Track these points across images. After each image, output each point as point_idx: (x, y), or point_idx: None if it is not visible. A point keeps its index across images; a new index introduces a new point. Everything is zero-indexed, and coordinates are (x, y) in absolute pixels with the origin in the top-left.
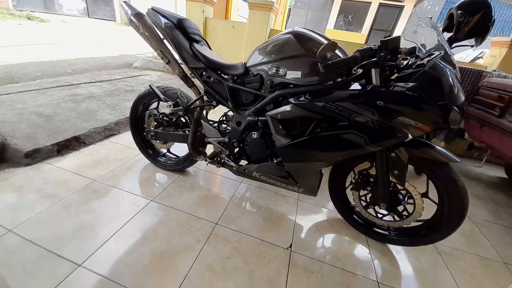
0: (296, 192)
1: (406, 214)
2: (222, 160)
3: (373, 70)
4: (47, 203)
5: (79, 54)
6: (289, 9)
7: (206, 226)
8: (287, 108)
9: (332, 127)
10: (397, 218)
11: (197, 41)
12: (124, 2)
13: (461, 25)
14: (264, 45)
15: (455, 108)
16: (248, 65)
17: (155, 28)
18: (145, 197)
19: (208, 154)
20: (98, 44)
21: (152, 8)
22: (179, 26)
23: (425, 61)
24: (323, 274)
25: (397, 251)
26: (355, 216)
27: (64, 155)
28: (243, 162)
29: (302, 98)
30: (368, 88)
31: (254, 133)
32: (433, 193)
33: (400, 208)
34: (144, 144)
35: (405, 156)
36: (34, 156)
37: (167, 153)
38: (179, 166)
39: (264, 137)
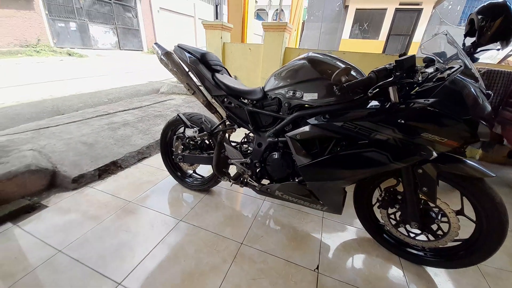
0: (320, 210)
1: (441, 233)
2: (245, 180)
3: (390, 88)
4: (91, 224)
5: (113, 84)
6: (303, 23)
7: (232, 245)
8: (306, 128)
9: (352, 145)
10: (431, 238)
11: (218, 71)
12: (155, 43)
13: (483, 29)
14: (280, 71)
15: (482, 121)
16: (266, 89)
17: (182, 64)
18: (174, 217)
19: (231, 175)
20: (129, 74)
21: (178, 46)
22: (202, 59)
23: (445, 74)
24: None
25: (435, 273)
26: (385, 235)
27: (104, 179)
28: (265, 181)
29: (320, 119)
30: (387, 106)
31: (275, 154)
32: (470, 210)
33: (434, 227)
34: (173, 166)
35: (433, 172)
36: (80, 181)
37: (193, 174)
38: (205, 186)
39: (284, 157)
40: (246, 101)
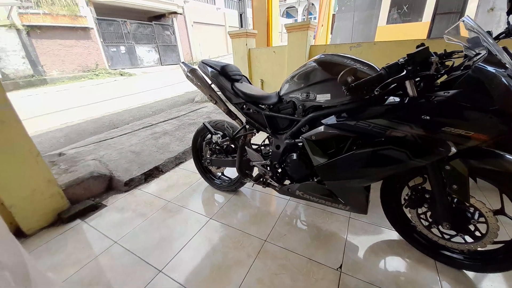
0: (344, 210)
1: (479, 235)
2: (267, 181)
3: (407, 82)
4: (139, 220)
5: (156, 98)
6: (333, 15)
7: (256, 242)
8: (320, 129)
9: (369, 144)
10: (469, 240)
11: (237, 80)
12: (182, 62)
13: None
14: (292, 75)
15: None
16: (281, 94)
17: (205, 78)
18: (206, 215)
19: (253, 176)
20: (169, 87)
21: (202, 61)
22: (222, 72)
23: (471, 62)
24: None
25: (477, 278)
26: (417, 237)
27: (149, 182)
28: (288, 182)
29: (334, 119)
30: (406, 101)
31: (293, 155)
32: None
33: (471, 227)
34: (204, 170)
35: (463, 168)
36: (130, 184)
37: (222, 176)
38: (232, 187)
39: (302, 157)
40: (263, 106)
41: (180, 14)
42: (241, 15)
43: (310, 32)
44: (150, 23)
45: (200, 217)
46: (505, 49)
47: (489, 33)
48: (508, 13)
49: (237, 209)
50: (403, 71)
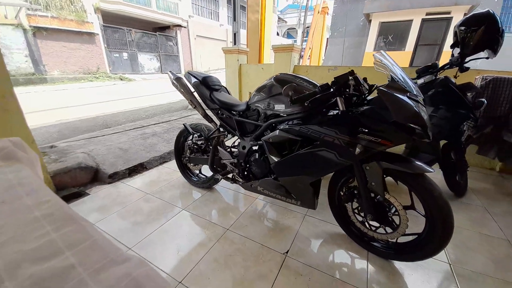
0: (295, 205)
1: (395, 226)
2: (234, 177)
3: (338, 98)
4: (118, 208)
5: (152, 103)
6: (327, 40)
7: (219, 230)
8: (276, 133)
9: (309, 146)
10: (389, 231)
11: (217, 90)
12: (169, 71)
13: (465, 40)
14: (258, 88)
15: (411, 124)
16: (249, 103)
17: (188, 85)
18: (179, 206)
19: (223, 172)
20: (165, 94)
21: (188, 72)
22: (203, 82)
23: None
24: (311, 277)
25: (401, 268)
26: (354, 230)
27: (132, 177)
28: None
29: (286, 125)
30: (337, 113)
31: (255, 154)
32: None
33: (390, 220)
34: (183, 167)
35: (377, 168)
36: (114, 177)
37: (199, 174)
38: (207, 184)
39: (262, 157)
40: (234, 112)
41: (184, 27)
42: (235, 34)
43: (294, 54)
44: (154, 33)
45: (173, 207)
46: (447, 78)
47: (435, 64)
48: (452, 46)
49: (208, 203)
50: (330, 91)
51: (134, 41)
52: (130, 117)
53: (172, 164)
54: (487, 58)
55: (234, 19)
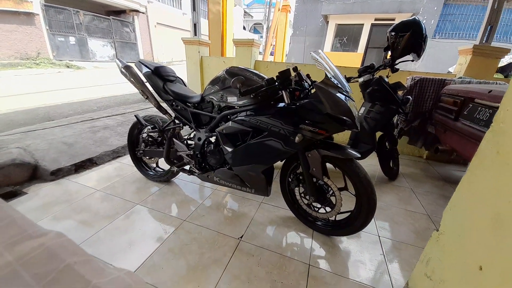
0: (250, 193)
1: (333, 205)
2: (191, 169)
3: (283, 92)
4: (62, 206)
5: (105, 94)
6: (290, 37)
7: (176, 222)
8: (228, 124)
9: (259, 136)
10: (328, 210)
11: (172, 81)
12: (117, 59)
13: (394, 45)
14: (212, 80)
15: (342, 116)
16: (203, 95)
17: (138, 74)
18: (133, 201)
19: (178, 163)
20: (121, 84)
21: (139, 61)
22: (156, 72)
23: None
24: (262, 257)
25: (340, 241)
26: (301, 212)
27: (79, 173)
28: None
29: (238, 116)
30: (282, 106)
31: (211, 145)
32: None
33: (328, 200)
34: (138, 161)
35: (317, 155)
36: (57, 174)
37: (156, 168)
38: (164, 177)
39: (217, 148)
40: (189, 104)
41: (143, 13)
42: (195, 24)
43: (254, 49)
44: (107, 17)
45: (127, 203)
46: (381, 77)
47: (372, 65)
48: (385, 50)
49: (166, 196)
50: (275, 84)
51: (83, 24)
52: (78, 109)
53: (127, 159)
54: (412, 61)
55: (194, 9)
